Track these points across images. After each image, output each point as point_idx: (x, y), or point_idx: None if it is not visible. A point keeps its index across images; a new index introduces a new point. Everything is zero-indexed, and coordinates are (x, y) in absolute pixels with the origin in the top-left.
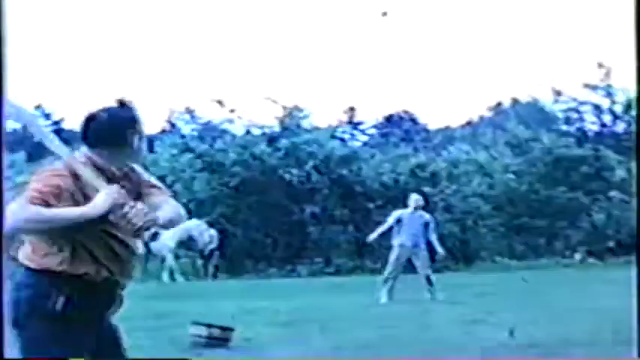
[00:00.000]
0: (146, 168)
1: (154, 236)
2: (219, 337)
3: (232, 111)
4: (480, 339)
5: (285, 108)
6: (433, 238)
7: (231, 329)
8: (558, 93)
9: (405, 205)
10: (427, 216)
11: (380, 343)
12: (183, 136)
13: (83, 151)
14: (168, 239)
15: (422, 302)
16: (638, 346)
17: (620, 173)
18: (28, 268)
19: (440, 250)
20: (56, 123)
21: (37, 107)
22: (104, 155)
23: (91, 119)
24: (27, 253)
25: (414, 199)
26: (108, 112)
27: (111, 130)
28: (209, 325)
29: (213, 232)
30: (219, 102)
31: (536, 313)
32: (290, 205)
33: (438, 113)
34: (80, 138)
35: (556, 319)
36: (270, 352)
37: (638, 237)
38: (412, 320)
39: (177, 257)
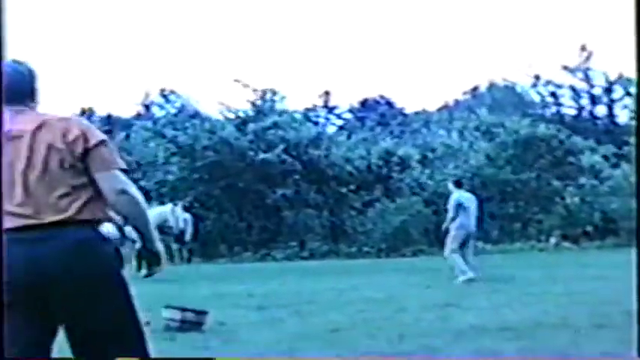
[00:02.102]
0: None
1: (128, 220)
2: (193, 321)
3: (198, 101)
4: (453, 322)
5: (256, 91)
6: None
7: (205, 313)
8: (536, 77)
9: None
10: (452, 197)
11: (353, 327)
12: (155, 121)
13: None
14: None
15: (396, 286)
16: (638, 346)
17: (593, 158)
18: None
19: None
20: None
21: None
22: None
23: None
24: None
25: (448, 182)
26: (9, 66)
27: (22, 84)
28: (183, 309)
29: (187, 215)
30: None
31: (510, 296)
32: (264, 189)
33: (414, 97)
34: None
35: (530, 303)
36: (243, 336)
37: (637, 227)
38: (386, 304)
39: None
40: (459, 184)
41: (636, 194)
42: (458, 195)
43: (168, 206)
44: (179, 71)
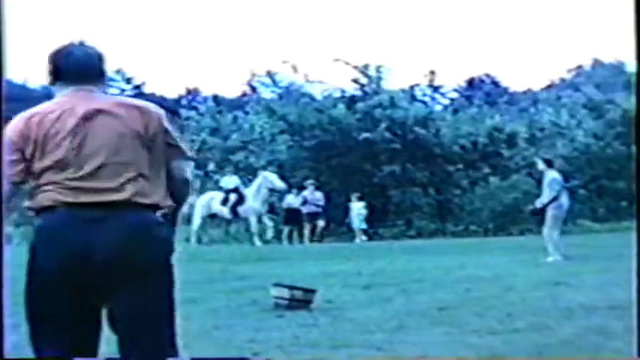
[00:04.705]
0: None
1: (241, 200)
2: (301, 299)
3: (306, 75)
4: (562, 300)
5: (361, 70)
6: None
7: (313, 291)
8: None
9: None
10: (550, 175)
11: (461, 305)
12: (264, 100)
13: (62, 91)
14: (255, 202)
15: (504, 265)
16: (638, 346)
17: None
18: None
19: (541, 201)
20: (137, 87)
21: (118, 72)
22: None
23: (64, 56)
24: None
25: (538, 161)
26: (80, 49)
27: (91, 65)
28: (291, 287)
29: (319, 194)
30: (294, 67)
31: (619, 275)
32: (371, 168)
33: (519, 76)
34: (53, 76)
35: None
36: (351, 314)
37: (638, 221)
38: (494, 282)
39: (259, 221)
40: (550, 164)
41: (637, 192)
42: (557, 175)
43: (264, 175)
44: (284, 51)
